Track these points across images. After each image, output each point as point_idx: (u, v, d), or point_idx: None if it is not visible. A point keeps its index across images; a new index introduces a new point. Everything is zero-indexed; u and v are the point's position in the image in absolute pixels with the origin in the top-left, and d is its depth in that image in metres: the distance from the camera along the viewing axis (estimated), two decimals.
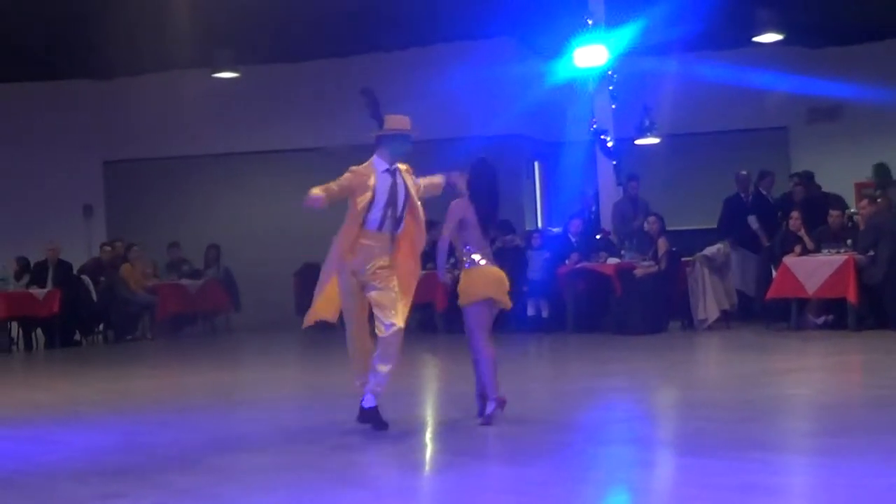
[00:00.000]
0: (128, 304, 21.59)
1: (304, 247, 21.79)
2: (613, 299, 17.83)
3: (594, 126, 19.36)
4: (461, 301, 9.61)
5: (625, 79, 19.41)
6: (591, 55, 18.93)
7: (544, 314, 18.73)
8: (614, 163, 19.36)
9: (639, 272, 17.66)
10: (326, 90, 23.75)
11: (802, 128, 24.32)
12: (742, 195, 19.50)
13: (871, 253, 16.20)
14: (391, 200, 9.47)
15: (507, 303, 9.76)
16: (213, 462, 8.40)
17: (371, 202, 9.41)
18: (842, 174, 20.98)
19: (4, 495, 7.52)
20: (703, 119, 23.20)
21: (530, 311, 18.60)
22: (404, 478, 7.74)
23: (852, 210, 18.12)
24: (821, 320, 16.65)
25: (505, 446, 8.45)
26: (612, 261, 18.03)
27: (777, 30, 21.16)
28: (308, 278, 22.53)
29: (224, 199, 24.90)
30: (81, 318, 21.31)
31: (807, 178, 19.75)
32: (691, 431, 8.92)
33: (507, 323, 18.50)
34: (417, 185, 9.72)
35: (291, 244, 22.96)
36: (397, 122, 9.73)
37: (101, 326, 21.96)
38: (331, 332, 21.38)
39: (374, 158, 9.61)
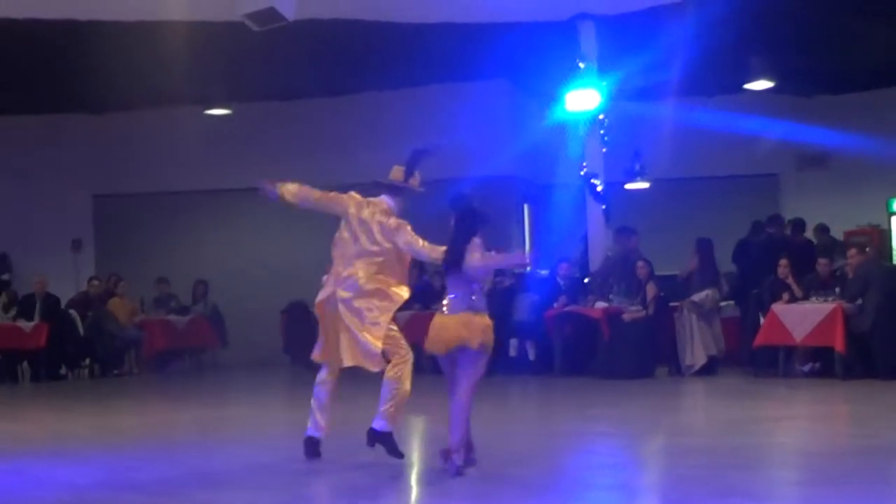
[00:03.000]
0: (114, 338, 21.56)
1: (292, 285, 21.81)
2: (601, 343, 17.83)
3: (584, 169, 19.40)
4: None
5: (616, 123, 19.47)
6: (582, 99, 19.01)
7: (531, 356, 18.75)
8: (604, 206, 19.39)
9: (627, 317, 17.67)
10: (319, 129, 23.80)
11: (793, 175, 24.41)
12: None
13: (860, 302, 16.22)
14: None
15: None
16: (198, 498, 8.37)
17: None
18: (831, 222, 21.00)
19: None
20: (692, 164, 23.25)
21: (512, 353, 18.66)
22: None
23: (841, 263, 18.08)
24: (807, 367, 16.65)
25: (489, 489, 8.42)
26: (601, 305, 18.05)
27: (768, 77, 21.28)
28: (295, 316, 22.67)
29: (213, 236, 24.89)
30: (68, 351, 21.25)
31: (794, 225, 19.81)
32: (676, 478, 8.90)
33: (493, 365, 18.54)
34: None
35: (279, 282, 22.96)
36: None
37: (87, 361, 21.88)
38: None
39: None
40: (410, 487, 9.02)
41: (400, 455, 9.51)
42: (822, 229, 20.45)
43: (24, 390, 20.07)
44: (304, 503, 8.53)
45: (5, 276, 22.93)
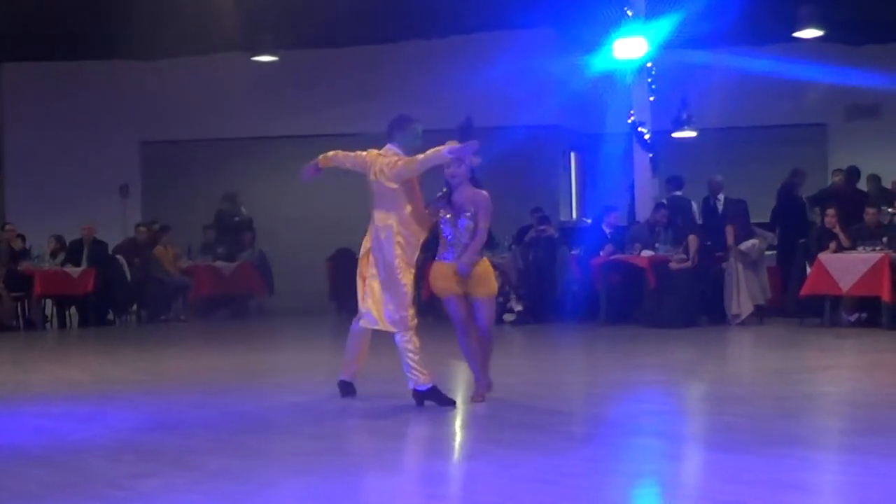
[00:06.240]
0: (162, 284, 21.70)
1: (338, 232, 21.87)
2: (647, 292, 17.80)
3: (632, 118, 19.33)
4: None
5: (663, 71, 19.37)
6: (630, 47, 18.91)
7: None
8: (651, 155, 19.33)
9: (673, 265, 17.61)
10: (365, 76, 23.78)
11: (841, 125, 24.24)
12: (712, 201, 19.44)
13: None
14: None
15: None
16: (245, 444, 8.44)
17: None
18: (880, 172, 20.82)
19: (37, 472, 7.57)
20: (740, 113, 23.13)
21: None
22: (433, 464, 7.76)
23: (891, 210, 17.98)
24: (854, 317, 16.58)
25: (534, 436, 8.44)
26: (647, 253, 18.00)
27: (818, 25, 21.07)
28: (341, 264, 22.70)
29: (260, 183, 24.93)
30: (115, 297, 21.41)
31: (849, 173, 19.68)
32: (722, 426, 8.90)
33: (543, 314, 18.61)
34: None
35: (326, 229, 23.01)
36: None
37: (134, 306, 22.05)
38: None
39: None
40: (455, 433, 9.05)
41: (452, 403, 9.62)
42: (875, 178, 20.22)
43: (73, 335, 20.26)
44: (350, 448, 8.58)
45: (237, 218, 23.15)
